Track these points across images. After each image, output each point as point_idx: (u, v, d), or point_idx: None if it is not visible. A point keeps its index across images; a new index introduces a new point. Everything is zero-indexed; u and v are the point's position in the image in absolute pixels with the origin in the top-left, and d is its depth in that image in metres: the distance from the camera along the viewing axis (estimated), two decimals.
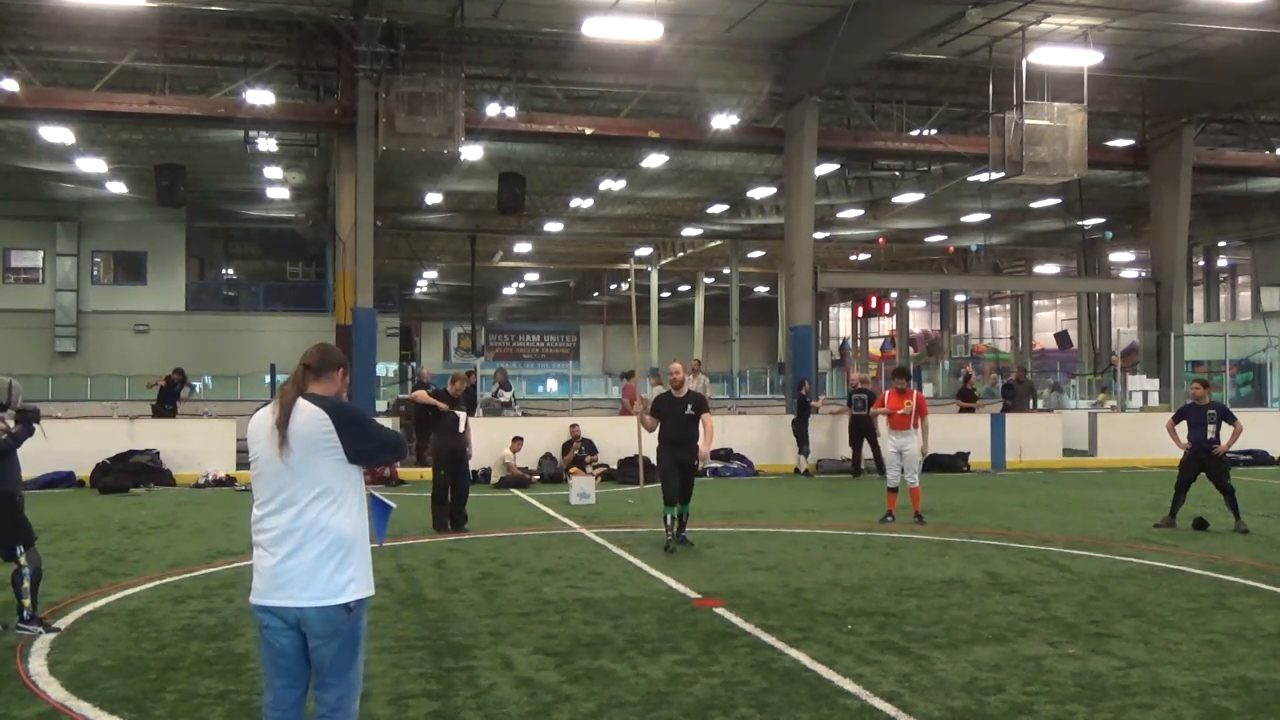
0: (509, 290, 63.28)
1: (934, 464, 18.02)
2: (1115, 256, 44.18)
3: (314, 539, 3.97)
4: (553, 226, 39.74)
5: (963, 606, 8.28)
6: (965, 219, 37.96)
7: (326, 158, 27.06)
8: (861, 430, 18.75)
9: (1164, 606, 8.31)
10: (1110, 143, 25.66)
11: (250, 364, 33.22)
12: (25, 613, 7.36)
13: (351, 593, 4.01)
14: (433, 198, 34.36)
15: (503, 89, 22.45)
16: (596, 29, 18.48)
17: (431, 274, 54.45)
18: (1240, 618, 7.92)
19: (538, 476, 18.05)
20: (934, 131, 24.14)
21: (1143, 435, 20.75)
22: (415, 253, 44.73)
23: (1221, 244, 41.84)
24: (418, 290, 60.49)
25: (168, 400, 20.75)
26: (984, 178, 25.09)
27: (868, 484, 17.35)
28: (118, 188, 32.84)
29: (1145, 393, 24.46)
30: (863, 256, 47.93)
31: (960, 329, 61.37)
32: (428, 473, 13.71)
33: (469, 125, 20.30)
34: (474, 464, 14.47)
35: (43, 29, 19.95)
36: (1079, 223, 36.57)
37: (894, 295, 47.55)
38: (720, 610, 8.13)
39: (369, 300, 21.32)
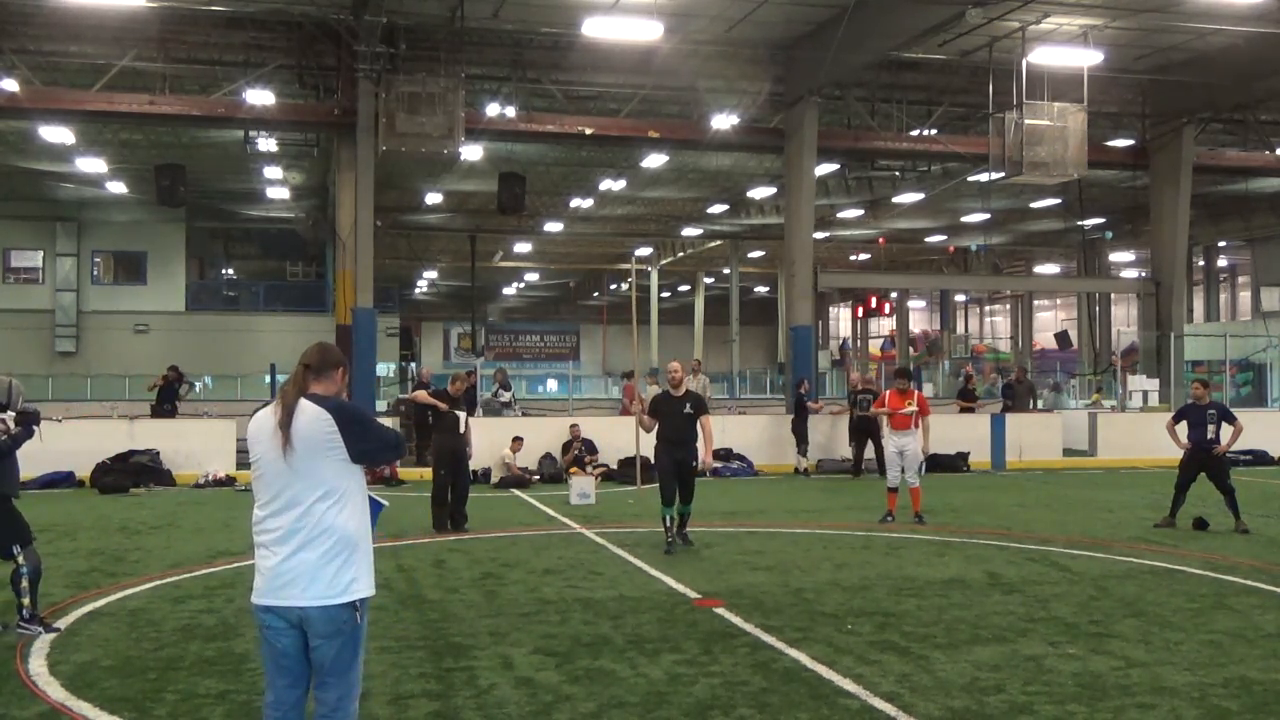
0: (509, 290, 63.29)
1: (934, 464, 18.07)
2: (1115, 256, 44.18)
3: (318, 539, 3.97)
4: (553, 226, 39.74)
5: (963, 606, 8.28)
6: (965, 219, 37.96)
7: (326, 158, 27.07)
8: (866, 430, 18.72)
9: (1164, 606, 8.31)
10: (1110, 143, 25.66)
11: (250, 364, 33.22)
12: (25, 612, 7.36)
13: (354, 592, 4.02)
14: (433, 198, 34.36)
15: (503, 89, 22.45)
16: (596, 29, 18.48)
17: (431, 274, 54.46)
18: (1240, 618, 7.93)
19: (538, 476, 18.05)
20: (934, 131, 24.14)
21: (1143, 435, 20.74)
22: (415, 253, 44.72)
23: (1221, 244, 41.85)
24: (418, 290, 60.50)
25: (166, 400, 20.72)
26: (984, 178, 25.08)
27: (868, 484, 17.35)
28: (118, 188, 32.83)
29: (1145, 393, 24.45)
30: (863, 256, 47.93)
31: (960, 329, 61.37)
32: (428, 473, 13.70)
33: (469, 125, 20.30)
34: (474, 464, 14.47)
35: (43, 29, 19.94)
36: (1079, 223, 36.58)
37: (894, 295, 47.52)
38: (720, 610, 8.13)
39: (369, 300, 21.32)
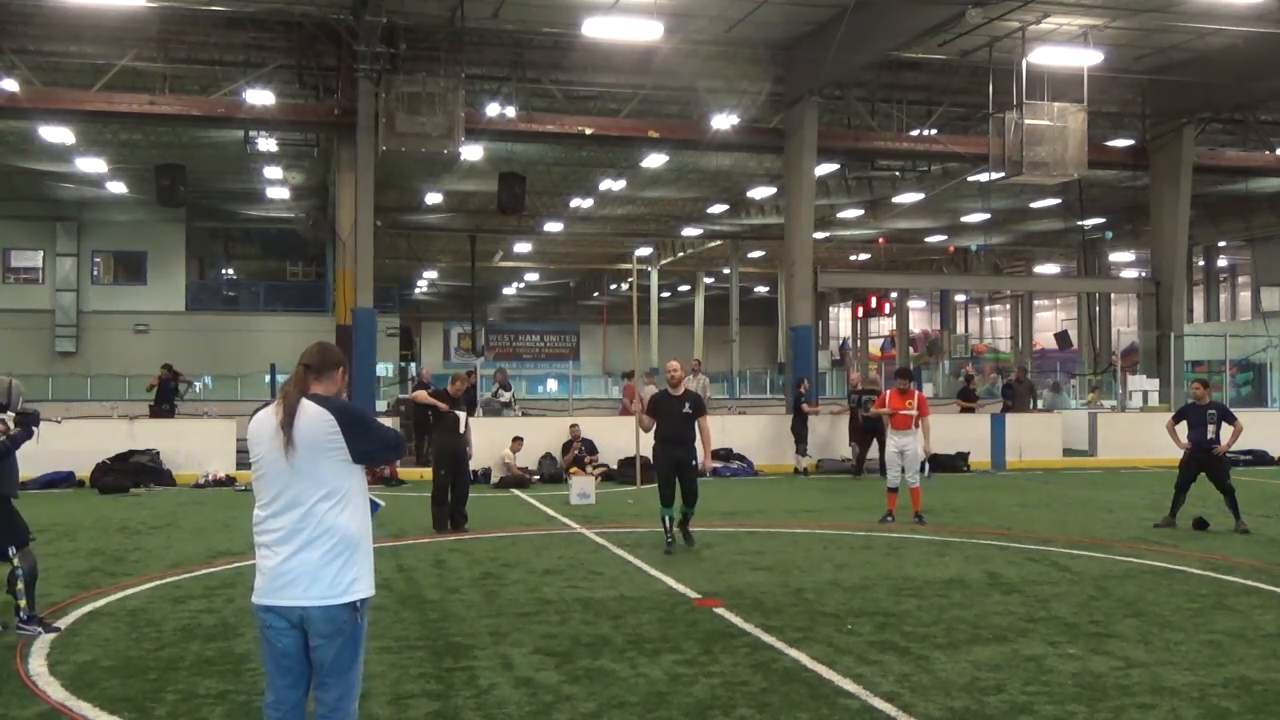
0: (509, 290, 63.29)
1: (934, 464, 18.00)
2: (1115, 256, 44.17)
3: (319, 539, 3.98)
4: (553, 226, 39.73)
5: (963, 606, 8.28)
6: (965, 219, 37.96)
7: (326, 158, 27.06)
8: (871, 430, 18.56)
9: (1164, 606, 8.31)
10: (1110, 143, 25.65)
11: (250, 364, 33.21)
12: (23, 613, 7.36)
13: (355, 592, 4.03)
14: (433, 198, 34.36)
15: (503, 89, 22.44)
16: (596, 29, 18.48)
17: (431, 274, 54.46)
18: (1240, 618, 7.93)
19: (538, 476, 18.05)
20: (934, 131, 24.13)
21: (1143, 435, 20.75)
22: (415, 253, 44.71)
23: (1221, 244, 41.84)
24: (418, 290, 60.50)
25: (165, 399, 20.73)
26: (984, 178, 25.06)
27: (868, 484, 17.35)
28: (118, 188, 32.83)
29: (1145, 393, 24.45)
30: (863, 256, 47.93)
31: (960, 329, 61.39)
32: (428, 473, 13.70)
33: (469, 125, 20.29)
34: (474, 464, 14.46)
35: (43, 29, 19.93)
36: (1079, 223, 36.56)
37: (894, 295, 47.52)
38: (720, 610, 8.13)
39: (369, 300, 21.31)
